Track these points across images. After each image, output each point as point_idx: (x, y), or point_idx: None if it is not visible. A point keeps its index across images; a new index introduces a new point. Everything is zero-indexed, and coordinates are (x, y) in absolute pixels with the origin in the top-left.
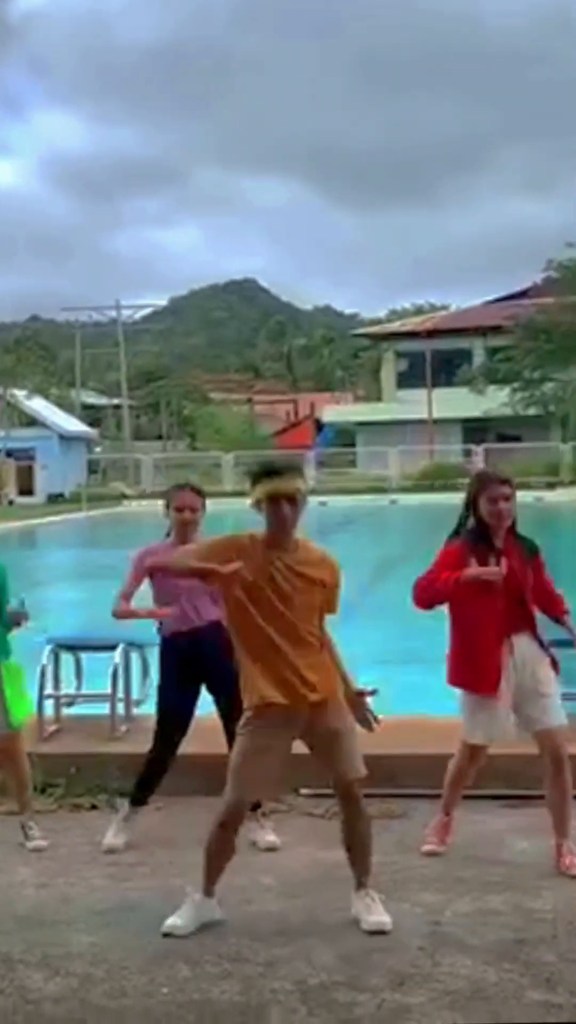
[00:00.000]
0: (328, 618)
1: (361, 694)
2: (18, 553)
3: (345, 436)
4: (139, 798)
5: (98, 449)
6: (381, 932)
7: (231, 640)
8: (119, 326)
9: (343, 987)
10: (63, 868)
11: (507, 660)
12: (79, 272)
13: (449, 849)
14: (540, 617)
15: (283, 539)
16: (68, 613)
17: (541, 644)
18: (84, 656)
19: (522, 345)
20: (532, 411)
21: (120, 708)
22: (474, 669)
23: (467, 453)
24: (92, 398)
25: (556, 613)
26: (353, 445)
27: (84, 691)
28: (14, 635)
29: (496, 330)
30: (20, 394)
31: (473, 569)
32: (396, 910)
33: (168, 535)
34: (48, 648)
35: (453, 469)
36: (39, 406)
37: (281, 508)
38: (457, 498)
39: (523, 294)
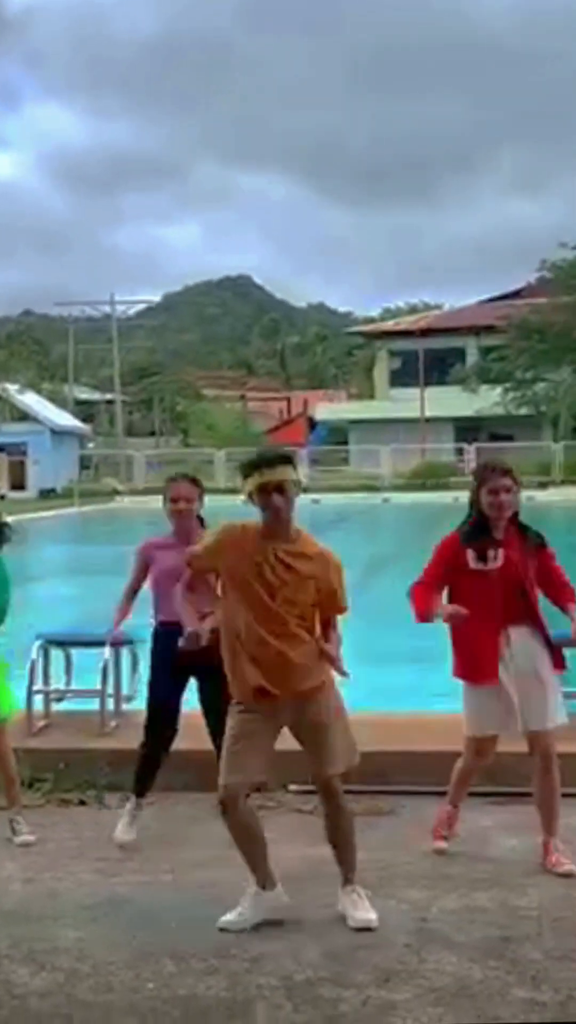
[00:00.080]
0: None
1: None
2: (9, 548)
3: (338, 434)
4: (138, 790)
5: (91, 445)
6: (367, 929)
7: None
8: (113, 321)
9: (329, 983)
10: (50, 863)
11: (504, 651)
12: (73, 267)
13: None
14: (556, 614)
15: (278, 529)
16: (59, 609)
17: (546, 638)
18: (74, 652)
19: (515, 345)
20: (524, 411)
21: (110, 704)
22: (472, 660)
23: (459, 452)
24: (85, 393)
25: (562, 602)
26: (346, 443)
27: (74, 687)
28: (2, 631)
29: (489, 330)
30: (12, 388)
31: (448, 608)
32: (382, 907)
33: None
34: (37, 644)
35: (445, 468)
36: (31, 401)
37: (271, 499)
38: (449, 497)
39: (516, 294)
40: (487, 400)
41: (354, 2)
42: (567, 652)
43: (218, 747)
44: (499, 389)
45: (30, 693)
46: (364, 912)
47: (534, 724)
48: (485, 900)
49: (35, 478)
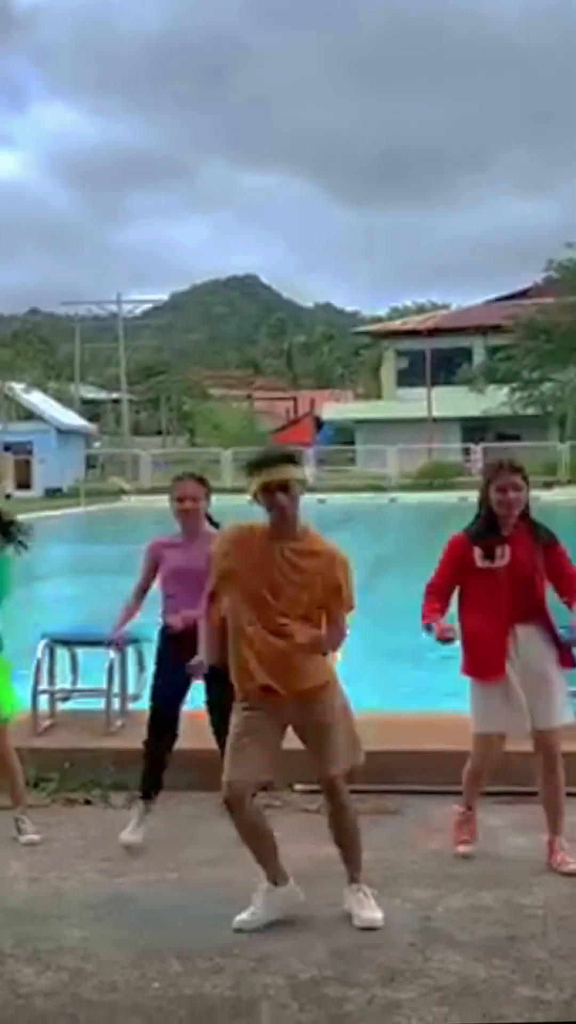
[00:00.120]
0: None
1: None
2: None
3: (344, 434)
4: (145, 791)
5: (97, 444)
6: (372, 928)
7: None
8: (119, 320)
9: (334, 982)
10: (56, 862)
11: (512, 649)
12: (80, 266)
13: (445, 846)
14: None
15: (283, 528)
16: (64, 608)
17: (554, 637)
18: (80, 651)
19: (522, 345)
20: (531, 411)
21: (116, 703)
22: (480, 658)
23: (466, 452)
24: (91, 393)
25: (567, 595)
26: (352, 443)
27: (79, 686)
28: None
29: (496, 329)
30: (18, 387)
31: (441, 626)
32: (387, 906)
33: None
34: (43, 643)
35: (452, 468)
36: (37, 400)
37: (275, 498)
38: (455, 496)
39: (523, 294)
40: (494, 400)
41: (361, 1)
42: None
43: (222, 746)
44: (506, 389)
45: (35, 692)
46: (370, 911)
47: (540, 723)
48: (490, 899)
49: (41, 477)
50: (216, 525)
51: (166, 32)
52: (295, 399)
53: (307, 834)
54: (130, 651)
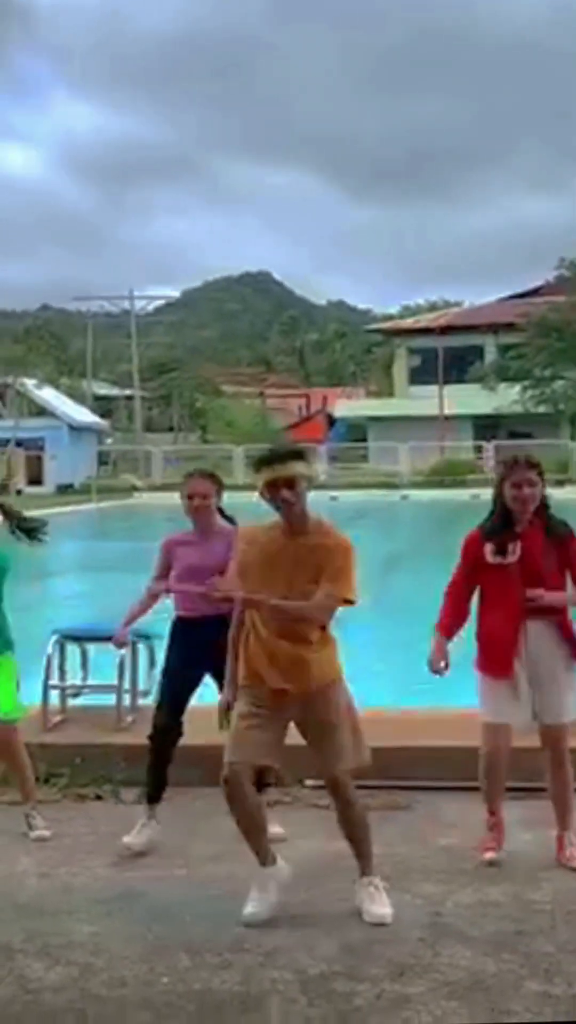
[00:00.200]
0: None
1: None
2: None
3: (357, 431)
4: (150, 795)
5: (109, 440)
6: (382, 924)
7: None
8: (132, 317)
9: (343, 977)
10: (66, 858)
11: (521, 645)
12: (92, 262)
13: (455, 841)
14: None
15: (293, 524)
16: (76, 604)
17: (566, 632)
18: (91, 647)
19: (534, 343)
20: (542, 409)
21: (126, 699)
22: (489, 654)
23: (478, 450)
24: (103, 389)
25: None
26: (364, 440)
27: (90, 682)
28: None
29: (508, 327)
30: (30, 383)
31: (435, 656)
32: (397, 901)
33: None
34: (54, 639)
35: (464, 465)
36: (49, 396)
37: (280, 493)
38: (467, 494)
39: (535, 292)
40: (506, 398)
41: (376, 0)
42: None
43: None
44: (518, 387)
45: (46, 688)
46: (380, 907)
47: (548, 718)
48: (499, 894)
49: (52, 473)
50: (230, 520)
51: (182, 29)
52: (307, 396)
53: (317, 829)
54: (141, 647)
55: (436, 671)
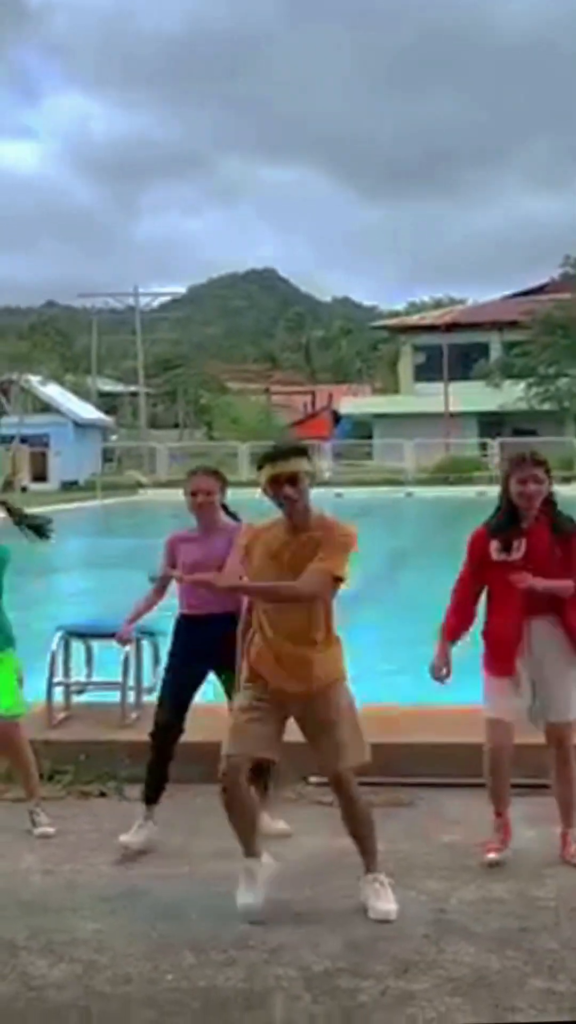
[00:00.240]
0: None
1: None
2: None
3: (362, 428)
4: (148, 796)
5: (114, 437)
6: (386, 921)
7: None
8: (136, 313)
9: (347, 974)
10: (70, 855)
11: (524, 643)
12: (97, 258)
13: (459, 838)
14: None
15: (295, 520)
16: (80, 601)
17: (571, 631)
18: (95, 644)
19: (538, 340)
20: (547, 406)
21: (131, 696)
22: (492, 650)
23: (483, 447)
24: (108, 385)
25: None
26: (370, 437)
27: (95, 679)
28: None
29: (513, 325)
30: (35, 380)
31: (437, 663)
32: (401, 897)
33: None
34: (58, 635)
35: (469, 462)
36: (54, 392)
37: (283, 490)
38: (472, 491)
39: (540, 290)
40: (511, 395)
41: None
42: None
43: None
44: (522, 384)
45: (50, 685)
46: (384, 904)
47: (552, 716)
48: (503, 891)
49: (57, 470)
50: (233, 516)
51: (192, 27)
52: (313, 393)
53: (322, 826)
54: (145, 644)
55: (437, 678)
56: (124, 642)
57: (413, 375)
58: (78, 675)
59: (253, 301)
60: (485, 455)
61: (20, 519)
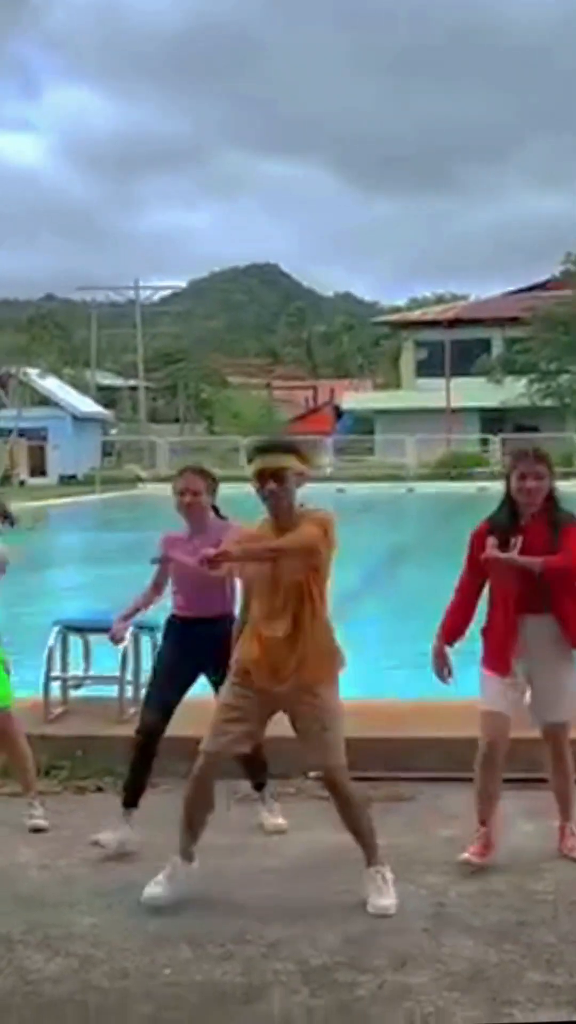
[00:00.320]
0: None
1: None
2: (29, 534)
3: (364, 423)
4: (126, 799)
5: (113, 431)
6: (385, 916)
7: (231, 632)
8: (137, 307)
9: (345, 968)
10: (66, 849)
11: (520, 642)
12: (97, 251)
13: (458, 832)
14: None
15: (279, 517)
16: (78, 595)
17: (568, 628)
18: (94, 639)
19: (540, 336)
20: (548, 402)
21: (129, 691)
22: (490, 649)
23: (484, 443)
24: (108, 379)
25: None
26: (371, 432)
27: (92, 673)
28: None
29: (515, 321)
30: (33, 373)
31: (438, 664)
32: (401, 891)
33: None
34: (55, 630)
35: (470, 458)
36: (53, 386)
37: (267, 484)
38: (473, 487)
39: (542, 286)
40: (512, 391)
41: None
42: None
43: None
44: (524, 380)
45: (47, 679)
46: (384, 898)
47: (548, 715)
48: (501, 884)
49: (55, 464)
50: (223, 518)
51: (189, 18)
52: (314, 388)
53: (320, 821)
54: (144, 638)
55: (441, 679)
56: (117, 641)
57: (415, 371)
58: (75, 669)
59: (254, 295)
60: (486, 451)
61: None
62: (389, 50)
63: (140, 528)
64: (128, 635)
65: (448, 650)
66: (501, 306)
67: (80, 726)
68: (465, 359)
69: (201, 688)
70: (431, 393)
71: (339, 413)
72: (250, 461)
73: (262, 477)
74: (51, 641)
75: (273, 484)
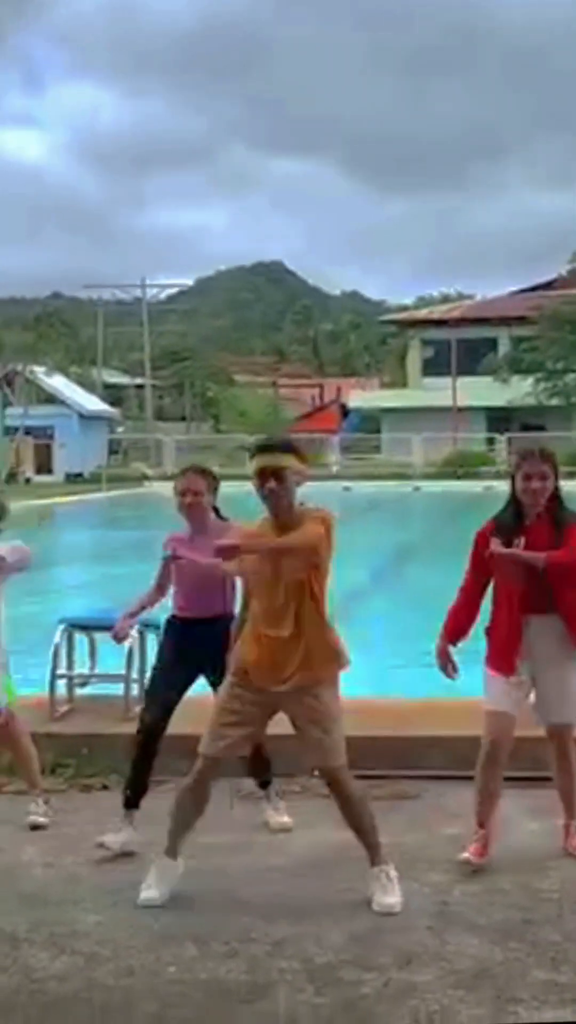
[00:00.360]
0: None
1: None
2: (35, 532)
3: (370, 422)
4: (128, 799)
5: (120, 429)
6: (390, 914)
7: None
8: (143, 305)
9: (350, 966)
10: (71, 847)
11: (523, 641)
12: (104, 250)
13: (463, 831)
14: None
15: (279, 515)
16: (84, 593)
17: (572, 628)
18: (99, 637)
19: (547, 336)
20: (555, 401)
21: (134, 689)
22: (494, 650)
23: (490, 442)
24: (114, 377)
25: None
26: (378, 431)
27: (98, 671)
28: None
29: (521, 320)
30: (39, 371)
31: (442, 661)
32: (405, 890)
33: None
34: (61, 628)
35: (476, 457)
36: (59, 384)
37: (266, 483)
38: (480, 486)
39: (548, 285)
40: (519, 390)
41: None
42: None
43: None
44: (530, 379)
45: (53, 677)
46: (389, 897)
47: (553, 717)
48: (506, 883)
49: (62, 462)
50: (223, 519)
51: (198, 14)
52: (321, 386)
53: (325, 819)
54: (150, 637)
55: (446, 675)
56: (120, 640)
57: (421, 369)
58: (81, 668)
59: (261, 294)
60: (492, 450)
61: None
62: (398, 50)
63: (146, 526)
64: (134, 633)
65: (451, 648)
66: (508, 305)
67: (86, 724)
68: (472, 358)
69: (202, 687)
70: (437, 392)
71: (345, 411)
72: (251, 459)
73: (262, 476)
74: (57, 639)
75: (273, 483)
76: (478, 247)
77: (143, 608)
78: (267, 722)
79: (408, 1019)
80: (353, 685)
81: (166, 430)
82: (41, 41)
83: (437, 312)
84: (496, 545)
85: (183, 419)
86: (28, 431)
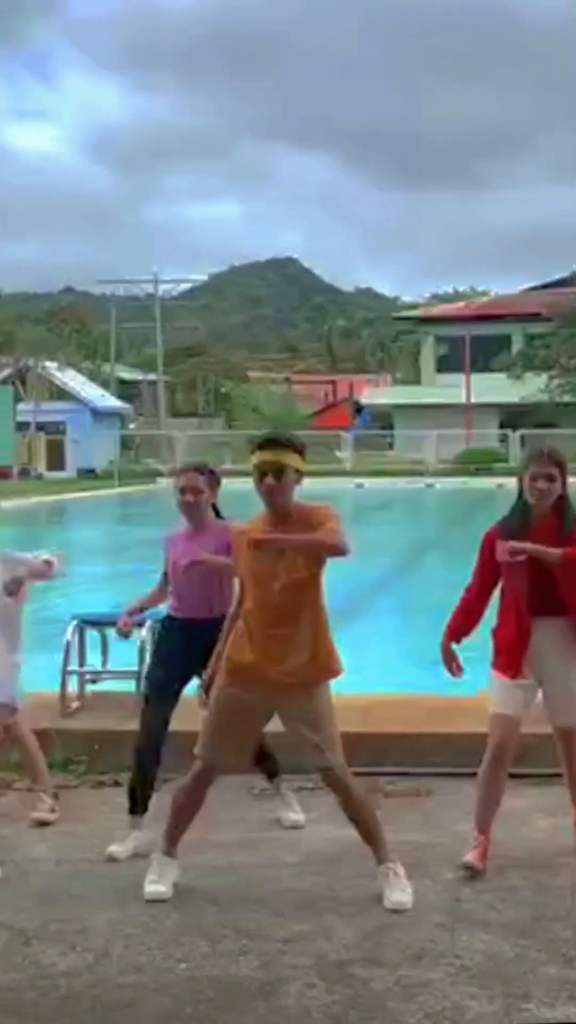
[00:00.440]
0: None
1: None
2: (48, 528)
3: (383, 419)
4: (133, 806)
5: (132, 425)
6: (401, 910)
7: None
8: (156, 301)
9: (361, 962)
10: (82, 844)
11: (531, 645)
12: (116, 244)
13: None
14: None
15: (275, 513)
16: (96, 589)
17: None
18: (111, 633)
19: (560, 333)
20: (568, 398)
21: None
22: (500, 652)
23: (503, 439)
24: (127, 373)
25: None
26: (391, 428)
27: (109, 668)
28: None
29: (535, 317)
30: (51, 366)
31: (447, 659)
32: (417, 887)
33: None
34: (73, 624)
35: (490, 454)
36: (71, 379)
37: (264, 480)
38: (493, 483)
39: (562, 282)
40: (532, 387)
41: None
42: None
43: None
44: (544, 376)
45: (65, 674)
46: (399, 893)
47: (560, 719)
48: (517, 880)
49: (74, 458)
50: (222, 519)
51: (211, 8)
52: (334, 383)
53: (336, 815)
54: None
55: (451, 673)
56: (124, 634)
57: (435, 366)
58: (93, 664)
59: (274, 290)
60: (505, 447)
61: None
62: (413, 46)
63: (158, 522)
64: (144, 632)
65: (455, 647)
66: (522, 302)
67: (97, 721)
68: (485, 355)
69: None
70: (451, 389)
71: (358, 408)
72: (252, 454)
73: (261, 471)
74: (68, 635)
75: (272, 480)
76: (493, 244)
77: (143, 608)
78: (266, 721)
79: (419, 1015)
80: (364, 682)
81: (179, 426)
82: (54, 35)
83: (451, 309)
84: (500, 546)
85: (196, 415)
86: (40, 427)
